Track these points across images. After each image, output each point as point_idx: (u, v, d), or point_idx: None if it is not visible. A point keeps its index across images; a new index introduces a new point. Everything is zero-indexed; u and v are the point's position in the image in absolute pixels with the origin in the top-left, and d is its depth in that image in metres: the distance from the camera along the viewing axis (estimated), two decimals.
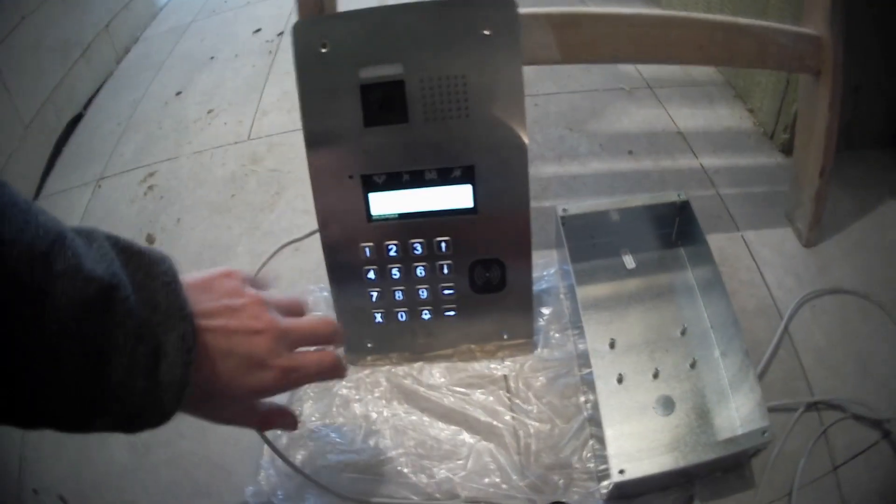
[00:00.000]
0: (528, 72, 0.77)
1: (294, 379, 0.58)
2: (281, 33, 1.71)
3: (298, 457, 0.83)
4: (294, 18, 0.79)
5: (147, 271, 0.45)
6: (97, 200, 1.29)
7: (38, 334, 0.37)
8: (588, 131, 1.28)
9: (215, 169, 1.30)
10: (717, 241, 1.03)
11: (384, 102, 0.76)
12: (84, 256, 0.40)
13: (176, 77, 1.63)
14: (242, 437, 0.86)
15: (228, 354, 0.52)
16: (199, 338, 0.48)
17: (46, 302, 0.38)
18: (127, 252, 0.45)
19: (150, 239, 1.16)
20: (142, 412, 0.45)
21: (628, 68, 1.43)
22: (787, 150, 1.19)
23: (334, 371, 0.63)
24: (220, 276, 0.56)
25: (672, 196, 0.96)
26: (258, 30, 1.75)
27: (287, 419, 0.66)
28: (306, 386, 0.90)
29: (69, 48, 1.55)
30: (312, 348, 0.62)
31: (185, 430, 0.89)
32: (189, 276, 0.53)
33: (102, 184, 1.32)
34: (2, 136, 1.29)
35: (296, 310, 0.63)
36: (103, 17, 1.72)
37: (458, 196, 0.80)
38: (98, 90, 1.65)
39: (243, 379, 0.54)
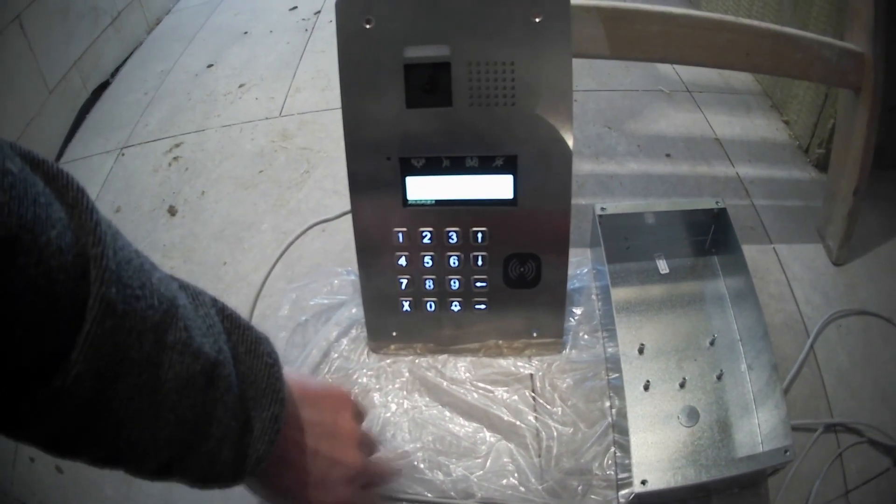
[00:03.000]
0: None
1: None
2: (318, 12, 1.68)
3: None
4: None
5: (249, 347, 0.46)
6: (119, 169, 1.27)
7: (140, 401, 0.37)
8: (626, 131, 1.26)
9: (244, 143, 1.28)
10: (749, 252, 1.01)
11: (428, 84, 0.74)
12: (193, 329, 0.40)
13: (207, 50, 1.62)
14: None
15: (305, 469, 0.54)
16: (286, 445, 0.50)
17: (152, 373, 0.37)
18: (231, 323, 0.46)
19: (173, 211, 1.15)
20: (219, 476, 0.45)
21: (667, 70, 1.41)
22: (821, 165, 1.18)
23: None
24: (335, 398, 0.58)
25: (710, 203, 0.94)
26: (294, 7, 1.73)
27: None
28: (326, 371, 0.88)
29: (99, 15, 1.55)
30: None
31: None
32: (306, 379, 0.55)
33: (126, 152, 1.31)
34: (25, 100, 1.28)
35: (373, 451, 0.65)
36: None
37: (499, 186, 0.78)
38: (126, 59, 1.64)
39: (306, 494, 0.55)
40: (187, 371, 0.39)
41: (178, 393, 0.39)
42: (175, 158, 1.26)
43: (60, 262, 0.31)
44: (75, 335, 0.32)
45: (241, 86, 1.45)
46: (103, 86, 1.54)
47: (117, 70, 1.60)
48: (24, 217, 0.30)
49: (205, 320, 0.43)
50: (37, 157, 0.34)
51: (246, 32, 1.66)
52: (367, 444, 0.62)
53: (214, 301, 0.46)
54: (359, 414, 0.62)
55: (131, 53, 1.66)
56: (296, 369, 0.53)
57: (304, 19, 1.67)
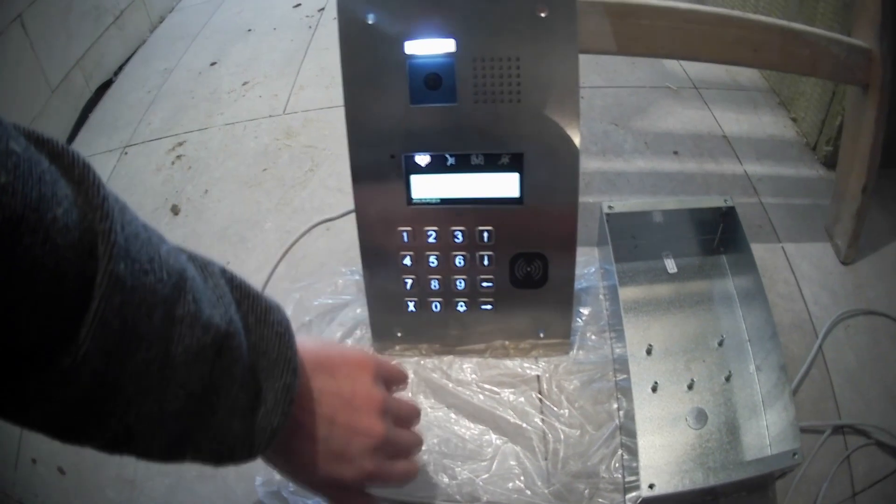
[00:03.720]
0: None
1: (372, 482, 0.57)
2: (322, 9, 1.68)
3: None
4: None
5: (259, 317, 0.45)
6: (122, 168, 1.27)
7: (149, 377, 0.36)
8: (633, 128, 1.25)
9: (247, 142, 1.27)
10: (757, 251, 1.00)
11: (432, 80, 0.73)
12: (202, 301, 0.39)
13: (210, 48, 1.61)
14: None
15: (323, 441, 0.52)
16: (302, 416, 0.49)
17: (161, 347, 0.36)
18: (241, 292, 0.45)
19: (175, 210, 1.14)
20: (233, 452, 0.44)
21: (674, 67, 1.40)
22: (828, 163, 1.16)
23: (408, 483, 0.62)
24: (353, 363, 0.55)
25: (718, 201, 0.93)
26: (298, 4, 1.73)
27: None
28: None
29: (101, 14, 1.54)
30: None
31: None
32: (324, 346, 0.53)
33: (129, 151, 1.30)
34: (27, 100, 1.27)
35: (409, 418, 0.63)
36: None
37: (505, 184, 0.77)
38: (129, 58, 1.63)
39: (325, 467, 0.53)
40: (197, 344, 0.38)
41: (187, 366, 0.38)
42: (178, 157, 1.25)
43: (67, 240, 0.31)
44: (83, 313, 0.32)
45: (244, 84, 1.44)
46: (106, 84, 1.53)
47: (120, 69, 1.59)
48: (29, 196, 0.29)
49: (214, 291, 0.42)
50: (41, 136, 0.34)
51: (250, 30, 1.65)
52: (395, 411, 0.59)
53: (224, 271, 0.45)
54: (388, 378, 0.59)
55: (134, 52, 1.65)
56: (315, 336, 0.51)
57: (307, 16, 1.66)
